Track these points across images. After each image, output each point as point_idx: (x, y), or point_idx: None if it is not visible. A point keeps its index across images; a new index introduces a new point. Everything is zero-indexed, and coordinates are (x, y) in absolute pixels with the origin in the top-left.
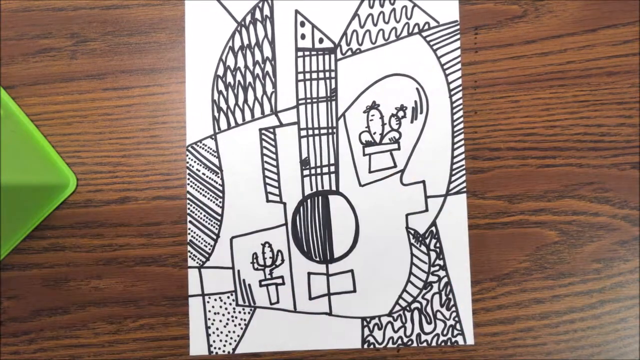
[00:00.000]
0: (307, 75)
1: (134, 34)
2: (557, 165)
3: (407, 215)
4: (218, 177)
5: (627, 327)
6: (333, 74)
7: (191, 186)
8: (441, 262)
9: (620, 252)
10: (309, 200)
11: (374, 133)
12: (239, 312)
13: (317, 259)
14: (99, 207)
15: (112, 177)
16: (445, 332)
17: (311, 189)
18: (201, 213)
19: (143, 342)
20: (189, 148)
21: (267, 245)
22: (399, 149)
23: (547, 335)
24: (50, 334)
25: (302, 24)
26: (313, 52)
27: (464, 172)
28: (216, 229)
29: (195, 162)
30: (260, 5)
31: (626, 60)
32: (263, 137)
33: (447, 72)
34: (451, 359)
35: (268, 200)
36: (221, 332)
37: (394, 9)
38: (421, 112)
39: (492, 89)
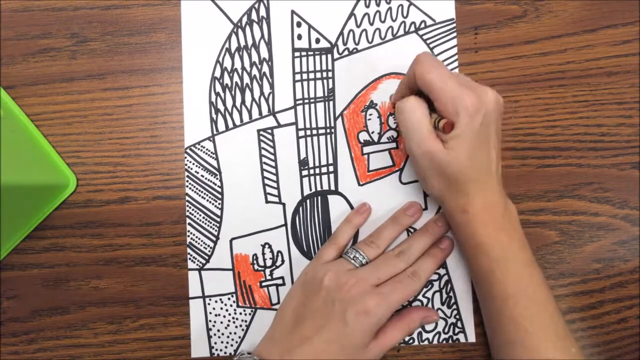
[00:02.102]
0: (304, 76)
1: (133, 34)
2: (557, 165)
3: None
4: (217, 178)
5: (627, 327)
6: (330, 74)
7: (190, 188)
8: None
9: (620, 252)
10: (308, 201)
11: (372, 132)
12: (240, 313)
13: None
14: (99, 207)
15: (112, 177)
16: (446, 330)
17: (310, 189)
18: (200, 215)
19: (143, 342)
20: (188, 150)
21: (267, 246)
22: (397, 147)
23: None
24: (50, 334)
25: (299, 25)
26: (310, 53)
27: None
28: (216, 230)
29: (193, 164)
30: (256, 6)
31: (626, 60)
32: (261, 138)
33: None
34: (451, 359)
35: (267, 201)
36: (222, 334)
37: (390, 8)
38: None
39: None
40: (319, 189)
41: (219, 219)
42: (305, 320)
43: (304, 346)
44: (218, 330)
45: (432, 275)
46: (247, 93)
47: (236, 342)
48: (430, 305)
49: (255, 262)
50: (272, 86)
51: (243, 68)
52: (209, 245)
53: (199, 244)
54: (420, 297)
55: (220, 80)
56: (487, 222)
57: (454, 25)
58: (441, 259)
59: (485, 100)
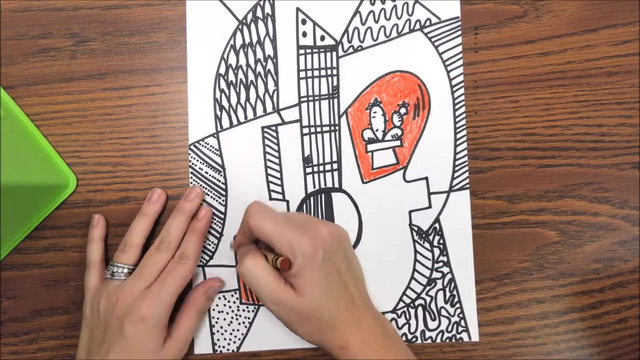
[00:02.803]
0: (309, 73)
1: (134, 34)
2: (557, 165)
3: (410, 212)
4: (221, 175)
5: (627, 327)
6: (335, 72)
7: (194, 185)
8: (445, 259)
9: (620, 252)
10: (311, 198)
11: (377, 130)
12: (243, 310)
13: None
14: (99, 207)
15: (112, 177)
16: (449, 328)
17: (314, 187)
18: None
19: None
20: (192, 147)
21: None
22: (401, 145)
23: (547, 335)
24: (50, 334)
25: (304, 22)
26: (315, 50)
27: (466, 168)
28: (219, 227)
29: (197, 160)
30: (261, 3)
31: (626, 60)
32: (265, 135)
33: (449, 68)
34: (451, 359)
35: (271, 199)
36: (225, 331)
37: (395, 6)
38: (423, 109)
39: (492, 89)
40: (322, 186)
41: (222, 216)
42: (93, 353)
43: None
44: (221, 327)
45: (200, 250)
46: (252, 90)
47: (239, 338)
48: (433, 303)
49: None
50: (276, 83)
51: (248, 65)
52: (212, 242)
53: None
54: (423, 295)
55: (225, 77)
56: (371, 352)
57: (459, 23)
58: (202, 230)
59: (320, 237)
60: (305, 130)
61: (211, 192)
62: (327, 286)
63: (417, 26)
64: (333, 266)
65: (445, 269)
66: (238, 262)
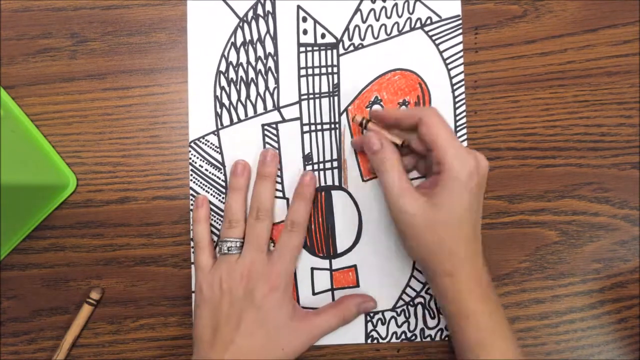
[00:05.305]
0: (310, 71)
1: (134, 34)
2: (557, 165)
3: None
4: (221, 172)
5: (627, 327)
6: (335, 69)
7: (194, 182)
8: None
9: (620, 252)
10: None
11: None
12: None
13: (321, 255)
14: (99, 207)
15: (112, 177)
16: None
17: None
18: None
19: (143, 342)
20: (192, 144)
21: (271, 241)
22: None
23: (547, 335)
24: (50, 334)
25: (304, 20)
26: (315, 48)
27: None
28: (220, 225)
29: (197, 158)
30: (262, 1)
31: (626, 60)
32: (266, 132)
33: (450, 66)
34: (451, 358)
35: None
36: None
37: (396, 4)
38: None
39: (492, 89)
40: (322, 184)
41: (222, 213)
42: (220, 328)
43: (228, 350)
44: None
45: (309, 215)
46: (252, 87)
47: None
48: (433, 302)
49: None
50: (277, 81)
51: (248, 62)
52: (212, 240)
53: None
54: (423, 293)
55: (226, 75)
56: (473, 289)
57: (460, 22)
58: (310, 196)
59: (481, 166)
60: (306, 128)
61: (211, 189)
62: (467, 210)
63: (418, 24)
64: (477, 198)
65: None
66: (371, 145)
